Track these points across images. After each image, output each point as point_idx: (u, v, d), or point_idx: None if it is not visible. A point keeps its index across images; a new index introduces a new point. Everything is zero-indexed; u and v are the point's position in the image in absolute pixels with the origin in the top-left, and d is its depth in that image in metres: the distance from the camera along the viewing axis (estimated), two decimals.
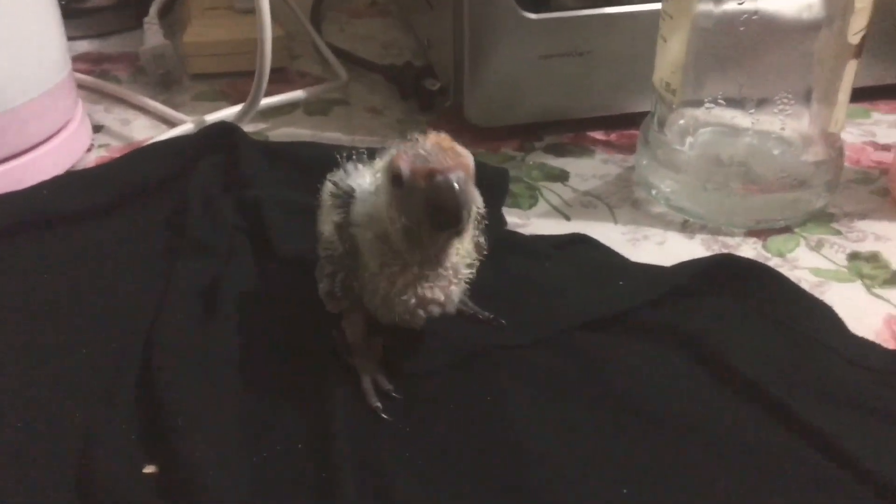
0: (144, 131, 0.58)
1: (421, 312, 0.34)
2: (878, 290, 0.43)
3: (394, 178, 0.31)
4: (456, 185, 0.29)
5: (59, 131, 0.52)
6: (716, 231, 0.48)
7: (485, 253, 0.36)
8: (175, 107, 0.60)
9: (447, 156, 0.30)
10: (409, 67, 0.62)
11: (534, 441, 0.34)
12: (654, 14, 0.53)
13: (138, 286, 0.41)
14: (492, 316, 0.39)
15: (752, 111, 0.46)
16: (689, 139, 0.49)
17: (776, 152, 0.48)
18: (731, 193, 0.48)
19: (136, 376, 0.36)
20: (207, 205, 0.45)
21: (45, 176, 0.49)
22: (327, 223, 0.36)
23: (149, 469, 0.32)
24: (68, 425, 0.34)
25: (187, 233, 0.43)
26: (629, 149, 0.56)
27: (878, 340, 0.39)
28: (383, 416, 0.35)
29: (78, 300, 0.41)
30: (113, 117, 0.60)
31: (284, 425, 0.34)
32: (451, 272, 0.34)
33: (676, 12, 0.45)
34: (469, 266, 0.35)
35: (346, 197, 0.35)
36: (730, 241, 0.47)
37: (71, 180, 0.48)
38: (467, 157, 0.31)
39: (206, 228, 0.43)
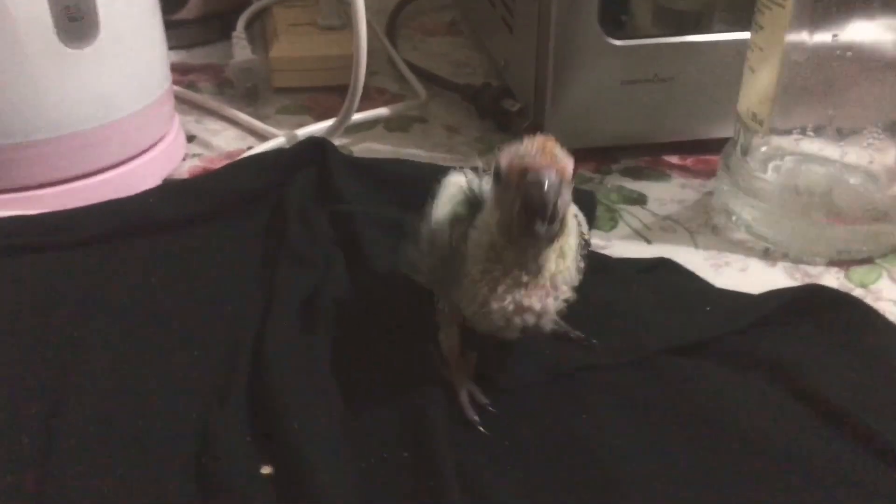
0: (234, 142, 0.61)
1: (517, 320, 0.34)
2: None
3: (495, 173, 0.32)
4: (546, 184, 0.30)
5: (158, 141, 0.54)
6: (797, 259, 0.49)
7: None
8: (261, 119, 0.63)
9: (544, 156, 0.31)
10: (488, 87, 0.64)
11: (626, 461, 0.35)
12: (735, 43, 0.54)
13: (240, 293, 0.43)
14: (583, 335, 0.40)
15: (841, 143, 0.47)
16: (772, 167, 0.49)
17: (860, 184, 0.48)
18: (812, 223, 0.48)
19: (246, 380, 0.37)
20: (304, 217, 0.47)
21: (146, 184, 0.52)
22: (442, 213, 0.36)
23: (266, 470, 0.33)
24: (186, 424, 0.35)
25: (286, 244, 0.45)
26: (706, 174, 0.57)
27: None
28: (480, 429, 0.36)
29: (184, 304, 0.43)
30: (203, 128, 0.63)
31: (387, 434, 0.36)
32: (548, 283, 0.34)
33: (767, 45, 0.46)
34: (570, 287, 0.36)
35: (475, 199, 0.36)
36: (811, 270, 0.48)
37: (176, 189, 0.51)
38: (564, 161, 0.31)
39: (304, 240, 0.45)
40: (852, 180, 0.49)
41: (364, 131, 0.63)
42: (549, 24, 0.54)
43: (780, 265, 0.48)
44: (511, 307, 0.34)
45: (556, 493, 0.34)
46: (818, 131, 0.47)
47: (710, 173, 0.57)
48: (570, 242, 0.35)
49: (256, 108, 0.65)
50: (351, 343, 0.40)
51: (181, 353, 0.39)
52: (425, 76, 0.69)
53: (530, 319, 0.35)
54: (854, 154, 0.47)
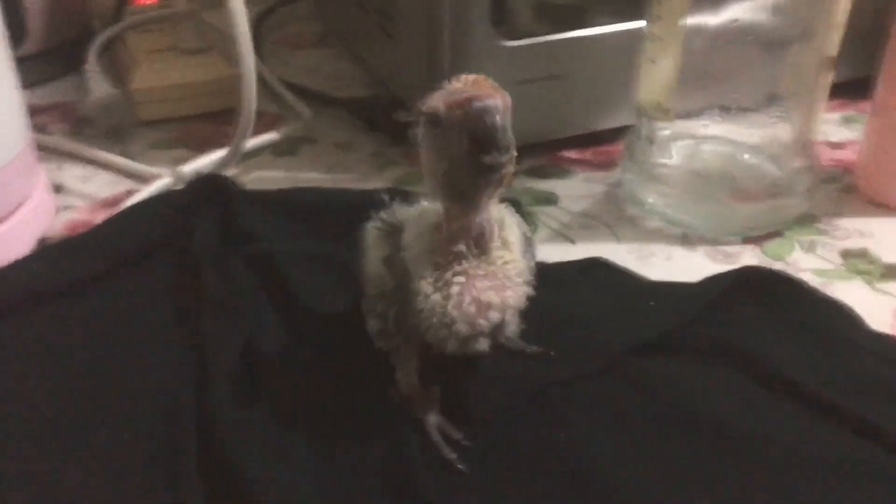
0: (108, 188, 0.55)
1: (482, 322, 0.33)
2: (879, 285, 0.46)
3: (430, 118, 0.30)
4: (495, 111, 0.28)
5: (25, 200, 0.47)
6: (714, 241, 0.50)
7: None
8: (132, 158, 0.57)
9: (483, 87, 0.29)
10: (376, 99, 0.61)
11: (613, 471, 0.34)
12: (619, 34, 0.55)
13: (162, 358, 0.39)
14: (541, 350, 0.39)
15: (738, 123, 0.48)
16: (675, 153, 0.50)
17: (761, 162, 0.50)
18: (719, 204, 0.50)
19: (196, 454, 0.33)
20: (218, 265, 0.43)
21: (19, 250, 0.45)
22: (374, 261, 0.35)
23: None
24: None
25: (204, 296, 0.41)
26: (606, 165, 0.58)
27: (892, 333, 0.42)
28: (459, 467, 0.34)
29: (101, 379, 0.37)
30: (69, 176, 0.56)
31: (365, 487, 0.33)
32: (500, 272, 0.33)
33: (667, 34, 0.47)
34: (526, 282, 0.34)
35: (393, 229, 0.35)
36: (729, 249, 0.49)
37: (60, 250, 0.44)
38: (505, 93, 0.29)
39: (223, 290, 0.41)
40: (751, 158, 0.51)
41: (251, 159, 0.58)
42: (440, 30, 0.52)
43: (700, 249, 0.49)
44: (472, 308, 0.32)
45: None
46: (721, 113, 0.48)
47: (610, 164, 0.58)
48: (513, 234, 0.34)
49: (124, 146, 0.59)
50: (304, 395, 0.37)
51: (112, 437, 0.35)
52: (305, 93, 0.65)
53: (494, 316, 0.33)
54: (751, 133, 0.49)
